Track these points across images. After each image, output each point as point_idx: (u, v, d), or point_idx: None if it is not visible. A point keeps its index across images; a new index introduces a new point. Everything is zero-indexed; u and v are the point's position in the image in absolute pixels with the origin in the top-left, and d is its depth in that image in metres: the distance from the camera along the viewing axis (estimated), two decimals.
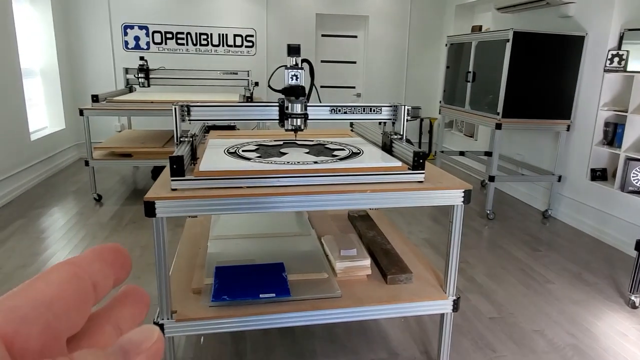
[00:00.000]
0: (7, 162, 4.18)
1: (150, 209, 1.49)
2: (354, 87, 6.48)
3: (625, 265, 3.10)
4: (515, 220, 3.98)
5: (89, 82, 5.79)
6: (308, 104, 1.85)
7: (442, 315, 1.84)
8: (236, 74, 5.16)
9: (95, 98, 4.06)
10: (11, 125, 4.29)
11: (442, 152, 4.91)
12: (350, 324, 2.29)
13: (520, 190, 4.62)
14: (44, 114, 5.46)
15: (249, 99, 4.66)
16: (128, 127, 5.63)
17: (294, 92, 1.78)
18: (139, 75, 5.01)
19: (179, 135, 1.79)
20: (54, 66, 5.39)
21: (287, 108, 1.81)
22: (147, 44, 5.81)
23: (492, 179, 3.90)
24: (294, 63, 1.79)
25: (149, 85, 5.06)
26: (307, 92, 1.88)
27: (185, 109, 1.81)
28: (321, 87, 6.36)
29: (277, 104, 1.83)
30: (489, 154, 4.86)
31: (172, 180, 1.53)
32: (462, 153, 4.98)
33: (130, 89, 5.18)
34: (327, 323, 2.17)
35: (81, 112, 3.95)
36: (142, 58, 5.00)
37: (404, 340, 2.19)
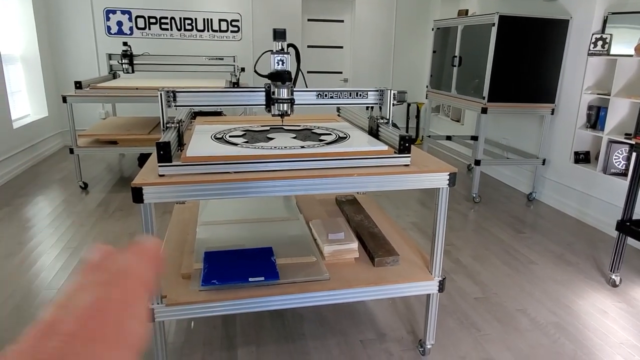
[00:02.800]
0: None
1: (138, 195, 1.49)
2: (340, 72, 6.46)
3: (606, 245, 3.18)
4: (501, 203, 4.05)
5: (71, 69, 5.68)
6: (294, 89, 1.86)
7: (428, 295, 1.88)
8: (222, 59, 5.10)
9: (78, 85, 4.00)
10: None
11: (429, 136, 4.94)
12: (338, 307, 2.33)
13: (505, 173, 4.69)
14: (26, 102, 5.36)
15: (235, 84, 4.63)
16: (113, 114, 5.55)
17: (280, 77, 1.78)
18: (123, 61, 4.92)
19: (165, 121, 1.78)
20: (34, 52, 5.27)
21: (273, 93, 1.80)
22: (130, 29, 5.71)
23: (477, 162, 3.95)
24: (280, 48, 1.78)
25: (133, 72, 4.98)
26: (293, 77, 1.88)
27: (171, 94, 1.80)
28: (308, 72, 6.33)
29: (264, 89, 1.83)
30: (475, 138, 4.91)
31: (160, 166, 1.53)
32: (448, 137, 5.02)
33: (114, 75, 5.10)
34: (316, 305, 2.20)
35: (64, 99, 3.89)
36: (125, 44, 4.91)
37: (392, 321, 2.24)
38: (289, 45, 1.86)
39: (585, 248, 3.15)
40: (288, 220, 2.33)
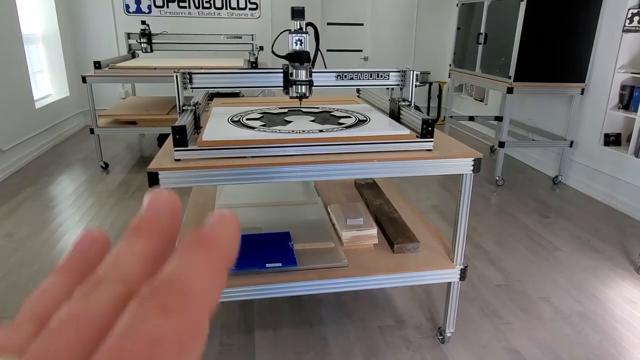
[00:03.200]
0: (14, 131, 4.16)
1: (153, 180, 1.46)
2: (361, 51, 6.31)
3: (636, 232, 3.07)
4: (525, 187, 3.93)
5: (91, 48, 5.69)
6: (313, 70, 1.80)
7: (449, 284, 1.84)
8: (240, 38, 5.03)
9: (97, 65, 3.99)
10: (15, 94, 4.25)
11: (451, 117, 4.81)
12: (357, 292, 2.30)
13: (530, 155, 4.55)
14: (47, 82, 5.41)
15: (254, 64, 4.57)
16: (132, 94, 5.56)
17: (298, 58, 1.71)
18: (141, 40, 4.90)
19: (181, 103, 1.75)
20: (55, 32, 5.29)
21: (291, 75, 1.75)
22: (149, 7, 5.66)
23: (502, 144, 3.83)
24: (298, 27, 1.71)
25: (151, 51, 4.96)
26: (312, 57, 1.82)
27: (187, 76, 1.76)
28: (327, 50, 6.20)
29: (281, 71, 1.78)
30: (499, 118, 4.76)
31: (176, 150, 1.50)
32: (471, 118, 4.88)
33: (132, 54, 5.08)
34: (333, 292, 2.19)
35: (84, 80, 3.89)
36: (143, 22, 4.88)
37: (411, 307, 2.20)
38: (308, 24, 1.79)
39: (613, 234, 3.04)
40: (306, 204, 2.30)
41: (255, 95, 5.46)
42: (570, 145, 3.86)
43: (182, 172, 1.47)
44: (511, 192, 3.80)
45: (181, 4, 5.72)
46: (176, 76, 1.71)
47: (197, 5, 5.74)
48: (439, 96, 6.42)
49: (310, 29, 1.80)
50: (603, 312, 2.19)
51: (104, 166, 4.21)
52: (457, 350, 1.91)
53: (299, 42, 1.72)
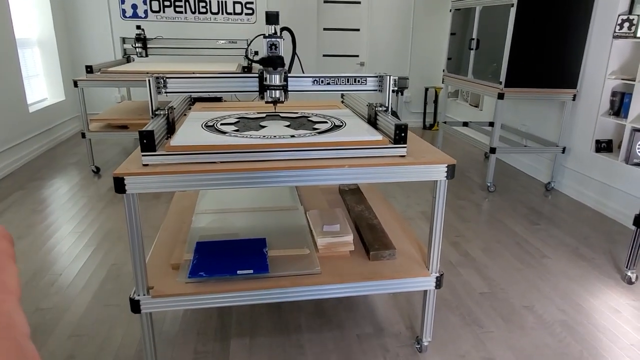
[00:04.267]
0: (5, 135, 4.17)
1: (120, 185, 1.45)
2: (357, 56, 6.31)
3: (625, 239, 3.03)
4: (517, 193, 3.90)
5: (87, 53, 5.71)
6: (290, 75, 1.78)
7: (425, 292, 1.81)
8: (235, 42, 5.04)
9: (89, 69, 4.00)
10: (8, 97, 4.26)
11: (445, 122, 4.79)
12: (338, 298, 2.28)
13: (523, 161, 4.52)
14: (43, 86, 5.43)
15: (246, 69, 4.56)
16: (128, 99, 5.58)
17: (271, 63, 1.70)
18: (137, 44, 4.92)
19: (154, 108, 1.74)
20: (50, 36, 5.31)
21: (265, 79, 1.74)
22: (145, 12, 5.68)
23: (493, 150, 3.80)
24: (273, 32, 1.70)
25: (147, 55, 4.98)
26: (289, 62, 1.81)
27: (162, 80, 1.75)
28: (323, 55, 6.21)
29: (256, 75, 1.77)
30: (493, 124, 4.74)
31: (143, 155, 1.49)
32: (465, 124, 4.86)
33: (127, 59, 5.10)
34: (305, 300, 2.16)
35: (75, 84, 3.90)
36: (139, 27, 4.89)
37: (391, 315, 2.18)
38: (283, 29, 1.78)
39: (602, 242, 3.00)
40: (288, 210, 2.28)
41: (251, 99, 5.46)
42: (563, 152, 3.83)
43: (150, 177, 1.46)
44: (503, 198, 3.77)
45: (177, 9, 5.74)
46: (149, 80, 1.70)
47: (193, 10, 5.76)
48: (435, 101, 6.41)
49: (285, 34, 1.79)
50: (586, 322, 2.16)
51: (95, 170, 4.21)
52: (434, 359, 1.88)
53: (272, 47, 1.71)
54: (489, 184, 3.90)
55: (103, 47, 5.72)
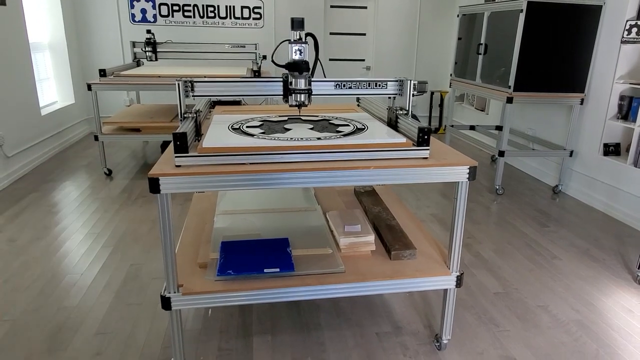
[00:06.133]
0: (19, 137, 4.22)
1: (154, 185, 1.50)
2: (363, 60, 6.37)
3: (635, 241, 3.07)
4: (525, 196, 3.95)
5: (97, 57, 5.78)
6: (312, 79, 1.83)
7: (446, 290, 1.86)
8: (244, 47, 5.10)
9: (102, 73, 4.06)
10: (22, 101, 4.32)
11: (452, 126, 4.85)
12: (355, 298, 2.32)
13: (531, 165, 4.57)
14: (53, 89, 5.48)
15: (256, 73, 4.62)
16: (137, 102, 5.63)
17: (297, 67, 1.75)
18: (146, 49, 4.98)
19: (183, 111, 1.79)
20: (61, 40, 5.37)
21: (290, 83, 1.79)
22: (154, 16, 5.75)
23: (501, 153, 3.85)
24: (298, 37, 1.75)
25: (156, 59, 5.04)
26: (311, 66, 1.86)
27: (189, 84, 1.80)
28: (329, 60, 6.28)
29: (281, 79, 1.82)
30: (499, 128, 4.80)
31: (176, 156, 1.54)
32: (472, 127, 4.91)
33: (137, 62, 5.16)
34: (329, 298, 2.20)
35: (89, 87, 3.95)
36: (149, 31, 4.96)
37: (408, 314, 2.22)
38: (307, 34, 1.83)
39: (612, 244, 3.05)
40: (306, 211, 2.32)
41: (258, 103, 5.51)
42: (570, 155, 3.88)
43: (183, 178, 1.50)
44: (511, 201, 3.82)
45: (186, 14, 5.81)
46: (178, 84, 1.75)
47: (201, 14, 5.82)
48: (441, 105, 6.47)
49: (309, 39, 1.84)
50: (600, 321, 2.20)
51: (107, 172, 4.25)
52: (453, 357, 1.92)
53: (298, 52, 1.76)
54: (497, 187, 3.94)
55: (112, 51, 5.78)
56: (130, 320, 2.13)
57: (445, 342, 1.94)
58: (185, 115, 1.77)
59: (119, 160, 4.76)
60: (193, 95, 1.83)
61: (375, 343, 2.00)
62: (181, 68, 5.00)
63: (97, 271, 2.57)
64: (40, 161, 4.59)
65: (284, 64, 1.77)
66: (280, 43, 1.90)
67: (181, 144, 1.53)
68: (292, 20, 1.74)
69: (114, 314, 2.18)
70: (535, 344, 2.02)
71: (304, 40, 1.77)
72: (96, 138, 4.10)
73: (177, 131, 1.53)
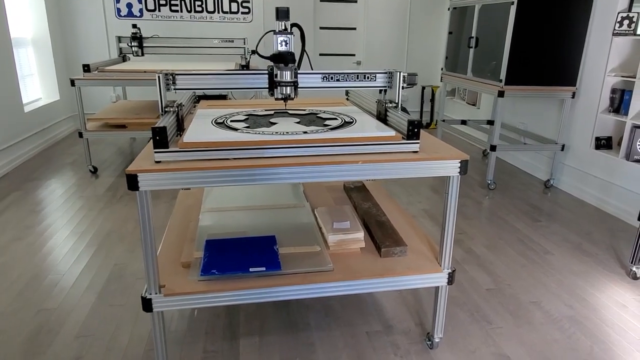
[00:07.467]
0: (1, 135, 4.11)
1: (133, 182, 1.43)
2: (353, 55, 6.31)
3: (627, 235, 3.05)
4: (517, 190, 3.92)
5: (82, 52, 5.66)
6: (299, 72, 1.77)
7: (437, 288, 1.81)
8: (232, 41, 5.01)
9: (86, 68, 3.96)
10: (3, 98, 4.20)
11: (444, 121, 4.80)
12: (345, 297, 2.27)
13: (522, 159, 4.54)
14: (37, 85, 5.36)
15: (245, 67, 4.54)
16: (123, 98, 5.53)
17: (282, 59, 1.69)
18: (132, 44, 4.87)
19: (163, 105, 1.72)
20: (45, 35, 5.25)
21: (276, 76, 1.72)
22: (140, 11, 5.63)
23: (493, 148, 3.82)
24: (283, 28, 1.69)
25: (142, 54, 4.93)
26: (298, 58, 1.80)
27: (170, 77, 1.73)
28: (320, 55, 6.21)
29: (266, 72, 1.75)
30: (491, 122, 4.76)
31: (156, 152, 1.47)
32: (463, 122, 4.87)
33: (123, 58, 5.05)
34: (317, 297, 2.14)
35: (72, 83, 3.86)
36: (134, 26, 4.85)
37: (400, 312, 2.17)
38: (293, 25, 1.77)
39: (604, 238, 3.02)
40: (294, 208, 2.26)
41: (248, 97, 5.43)
42: (562, 149, 3.85)
43: (162, 174, 1.44)
44: (503, 195, 3.78)
45: (173, 8, 5.70)
46: (159, 77, 1.68)
47: (189, 9, 5.72)
48: (432, 100, 6.43)
49: (296, 30, 1.78)
50: (594, 317, 2.17)
51: (92, 170, 4.16)
52: (445, 356, 1.87)
53: (283, 43, 1.70)
54: (489, 182, 3.91)
55: (98, 46, 5.67)
56: (112, 322, 2.06)
57: (437, 340, 1.90)
58: (166, 110, 1.70)
59: (105, 158, 4.67)
60: (175, 89, 1.76)
61: (366, 343, 1.95)
62: (168, 63, 4.90)
63: (79, 271, 2.49)
64: (24, 159, 4.48)
65: (269, 55, 1.71)
66: (265, 34, 1.84)
67: (160, 139, 1.46)
68: (277, 10, 1.68)
69: (96, 315, 2.11)
70: (529, 341, 1.98)
71: (289, 30, 1.70)
72: (80, 135, 4.01)
73: (156, 125, 1.46)
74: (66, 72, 5.60)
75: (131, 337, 1.97)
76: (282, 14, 1.68)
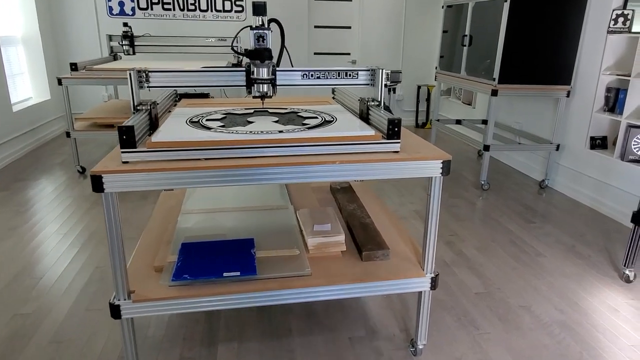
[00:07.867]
0: None
1: (97, 184, 1.37)
2: (348, 54, 6.24)
3: (622, 237, 2.99)
4: (511, 191, 3.86)
5: (73, 51, 5.60)
6: (278, 69, 1.71)
7: (420, 293, 1.75)
8: (224, 40, 4.95)
9: (74, 66, 3.90)
10: None
11: (438, 120, 4.74)
12: (328, 301, 2.21)
13: (517, 159, 4.48)
14: (28, 84, 5.30)
15: (235, 65, 4.47)
16: (115, 97, 5.47)
17: (259, 55, 1.63)
18: (123, 42, 4.82)
19: (136, 103, 1.66)
20: (35, 33, 5.19)
21: (252, 73, 1.66)
22: (132, 9, 5.57)
23: (487, 148, 3.75)
24: (260, 23, 1.63)
25: (134, 53, 4.88)
26: (277, 55, 1.74)
27: (144, 75, 1.67)
28: (314, 54, 6.14)
29: (243, 69, 1.69)
30: (486, 122, 4.69)
31: (123, 152, 1.41)
32: (458, 122, 4.81)
33: (115, 57, 4.99)
34: (295, 303, 2.08)
35: (59, 82, 3.80)
36: (125, 24, 4.79)
37: (385, 316, 2.11)
38: (271, 20, 1.71)
39: (598, 240, 2.96)
40: (277, 209, 2.20)
41: (242, 95, 5.36)
42: (557, 149, 3.79)
43: (129, 175, 1.38)
44: (497, 196, 3.72)
45: (165, 7, 5.64)
46: (130, 74, 1.62)
47: (181, 7, 5.66)
48: (428, 100, 6.36)
49: (274, 26, 1.72)
50: (585, 321, 2.11)
51: (80, 170, 4.10)
52: None
53: (260, 39, 1.63)
54: (482, 182, 3.85)
55: (89, 45, 5.61)
56: (88, 327, 2.00)
57: (420, 347, 1.84)
58: (138, 108, 1.64)
59: (95, 158, 4.60)
60: (148, 87, 1.70)
61: (348, 349, 1.89)
62: (159, 62, 4.84)
63: (59, 274, 2.43)
64: (12, 159, 4.42)
65: (244, 51, 1.65)
66: (241, 29, 1.78)
67: (127, 138, 1.40)
68: (254, 4, 1.62)
69: (72, 320, 2.05)
70: (517, 346, 1.92)
71: (266, 26, 1.64)
72: (68, 135, 3.95)
73: (123, 124, 1.40)
74: (57, 71, 5.54)
75: (106, 343, 1.91)
76: (258, 9, 1.62)
